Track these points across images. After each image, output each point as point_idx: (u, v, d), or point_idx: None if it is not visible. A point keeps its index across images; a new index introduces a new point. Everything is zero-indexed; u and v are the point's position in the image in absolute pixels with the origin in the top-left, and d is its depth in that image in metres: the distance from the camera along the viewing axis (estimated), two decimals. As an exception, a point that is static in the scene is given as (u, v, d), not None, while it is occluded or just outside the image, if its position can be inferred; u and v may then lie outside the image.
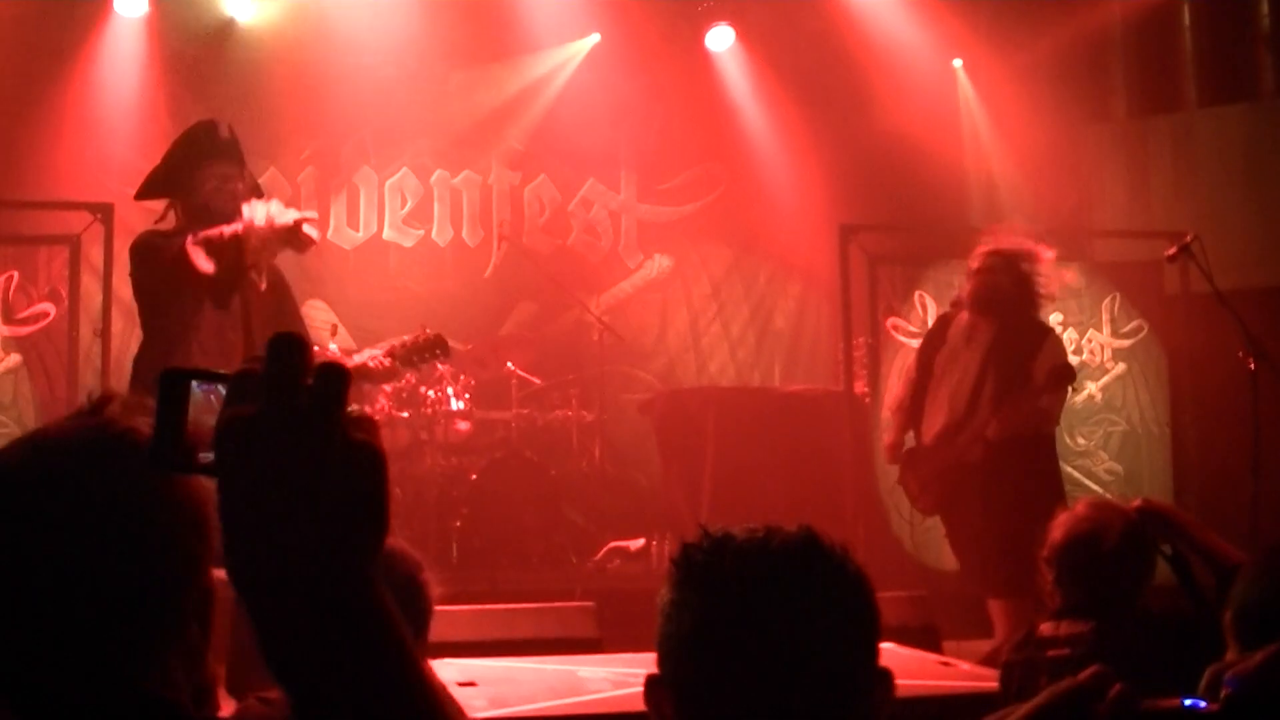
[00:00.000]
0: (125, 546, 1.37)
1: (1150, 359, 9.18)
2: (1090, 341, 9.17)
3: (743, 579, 1.53)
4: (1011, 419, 6.38)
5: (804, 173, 9.98)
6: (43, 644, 1.36)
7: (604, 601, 5.75)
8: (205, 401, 1.03)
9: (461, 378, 8.49)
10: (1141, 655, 2.51)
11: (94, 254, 8.16)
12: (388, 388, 8.30)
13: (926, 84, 10.04)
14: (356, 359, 5.49)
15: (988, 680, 3.76)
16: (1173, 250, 6.86)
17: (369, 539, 0.95)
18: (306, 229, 5.03)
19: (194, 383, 1.04)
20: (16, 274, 8.33)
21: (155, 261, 5.11)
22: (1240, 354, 6.68)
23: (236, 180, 5.30)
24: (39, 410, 8.14)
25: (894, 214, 9.83)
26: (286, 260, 9.54)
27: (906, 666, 3.51)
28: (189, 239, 4.96)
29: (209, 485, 1.09)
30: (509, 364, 8.91)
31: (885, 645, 3.78)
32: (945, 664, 3.88)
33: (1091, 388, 9.15)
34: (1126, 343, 9.18)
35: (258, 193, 5.44)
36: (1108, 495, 9.03)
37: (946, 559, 6.81)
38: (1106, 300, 9.23)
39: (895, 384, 6.87)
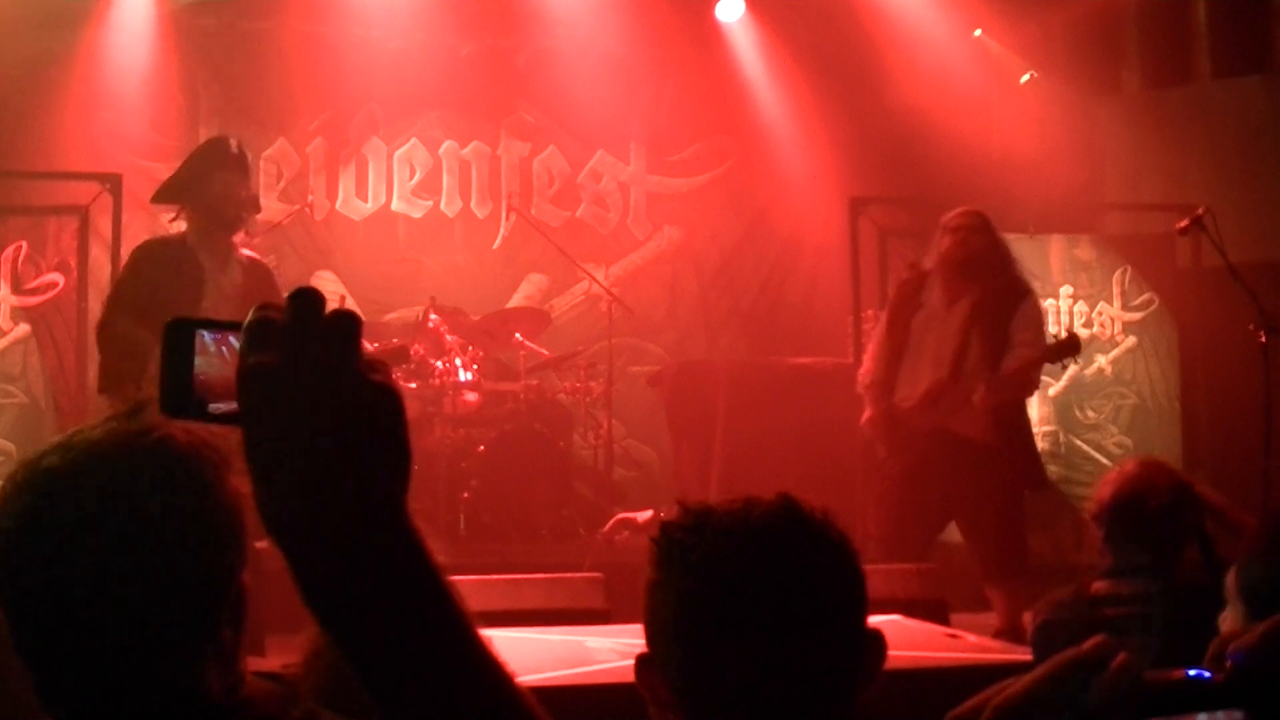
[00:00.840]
0: (162, 550, 1.40)
1: (1161, 332, 9.16)
2: (1101, 314, 9.15)
3: (724, 554, 1.53)
4: (1006, 387, 6.30)
5: (814, 145, 9.95)
6: (79, 642, 1.39)
7: (612, 573, 5.75)
8: (215, 349, 1.04)
9: (470, 349, 8.49)
10: (1205, 615, 2.48)
11: (103, 225, 8.17)
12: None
13: (938, 56, 9.99)
14: None
15: (995, 652, 3.76)
16: (1184, 223, 6.84)
17: (395, 473, 0.99)
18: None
19: (202, 332, 1.04)
20: (25, 245, 8.35)
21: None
22: (1251, 327, 6.67)
23: (241, 189, 6.00)
24: (48, 381, 8.17)
25: (905, 187, 9.80)
26: (296, 230, 9.60)
27: (914, 639, 3.51)
28: None
29: (244, 492, 1.11)
30: (517, 335, 8.90)
31: (893, 618, 3.79)
32: (952, 636, 3.88)
33: (1101, 361, 9.13)
34: (1137, 316, 9.16)
35: (256, 206, 6.41)
36: (1117, 469, 9.02)
37: (954, 532, 6.79)
38: (1117, 273, 9.20)
39: (865, 357, 6.70)
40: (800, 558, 1.53)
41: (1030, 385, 6.58)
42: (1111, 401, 9.09)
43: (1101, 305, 9.16)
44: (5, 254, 8.31)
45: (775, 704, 1.51)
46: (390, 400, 0.98)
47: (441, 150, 10.12)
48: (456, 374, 8.35)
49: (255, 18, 9.65)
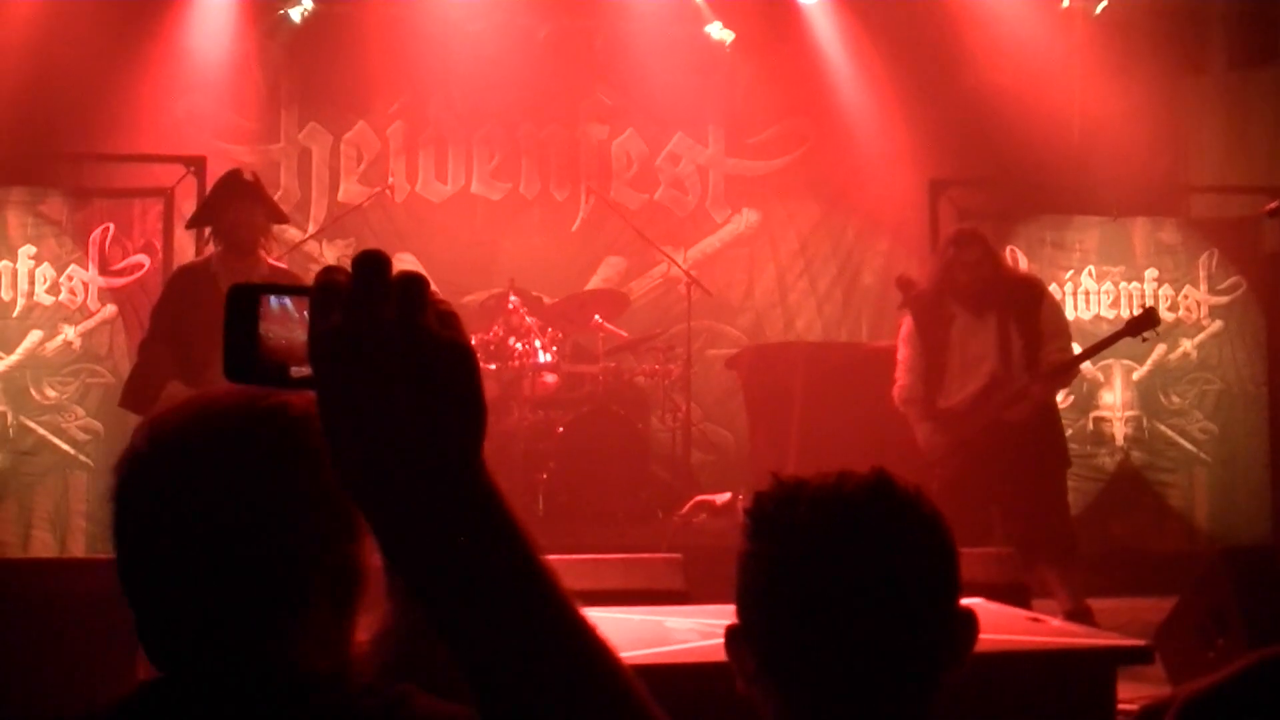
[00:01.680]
0: (256, 516, 1.42)
1: (1248, 317, 9.03)
2: (1186, 298, 9.02)
3: (816, 526, 1.52)
4: (1060, 377, 6.75)
5: (893, 127, 9.86)
6: (178, 594, 1.43)
7: (690, 555, 5.74)
8: (281, 314, 1.05)
9: (549, 331, 8.51)
10: None
11: (187, 207, 8.28)
12: (474, 340, 8.33)
13: (1018, 36, 9.87)
14: None
15: (1078, 636, 3.72)
16: (1273, 206, 6.77)
17: (471, 429, 0.98)
18: None
19: (269, 297, 1.05)
20: (112, 226, 8.48)
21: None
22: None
23: (256, 215, 6.44)
24: (134, 361, 8.29)
25: (985, 169, 9.71)
26: (375, 213, 9.68)
27: (996, 622, 3.48)
28: None
29: None
30: (596, 318, 8.91)
31: (975, 601, 3.75)
32: (1035, 620, 3.84)
33: (1187, 345, 9.01)
34: (1223, 300, 9.02)
35: (281, 217, 6.90)
36: (1203, 456, 8.91)
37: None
38: (1203, 257, 9.07)
39: (900, 372, 6.85)
40: (893, 531, 1.53)
41: (1074, 375, 7.16)
42: (1196, 387, 8.97)
43: (1187, 289, 9.03)
44: (93, 236, 8.44)
45: (863, 679, 1.50)
46: (463, 356, 0.98)
47: (520, 133, 10.14)
48: (535, 356, 8.38)
49: (335, 1, 9.72)
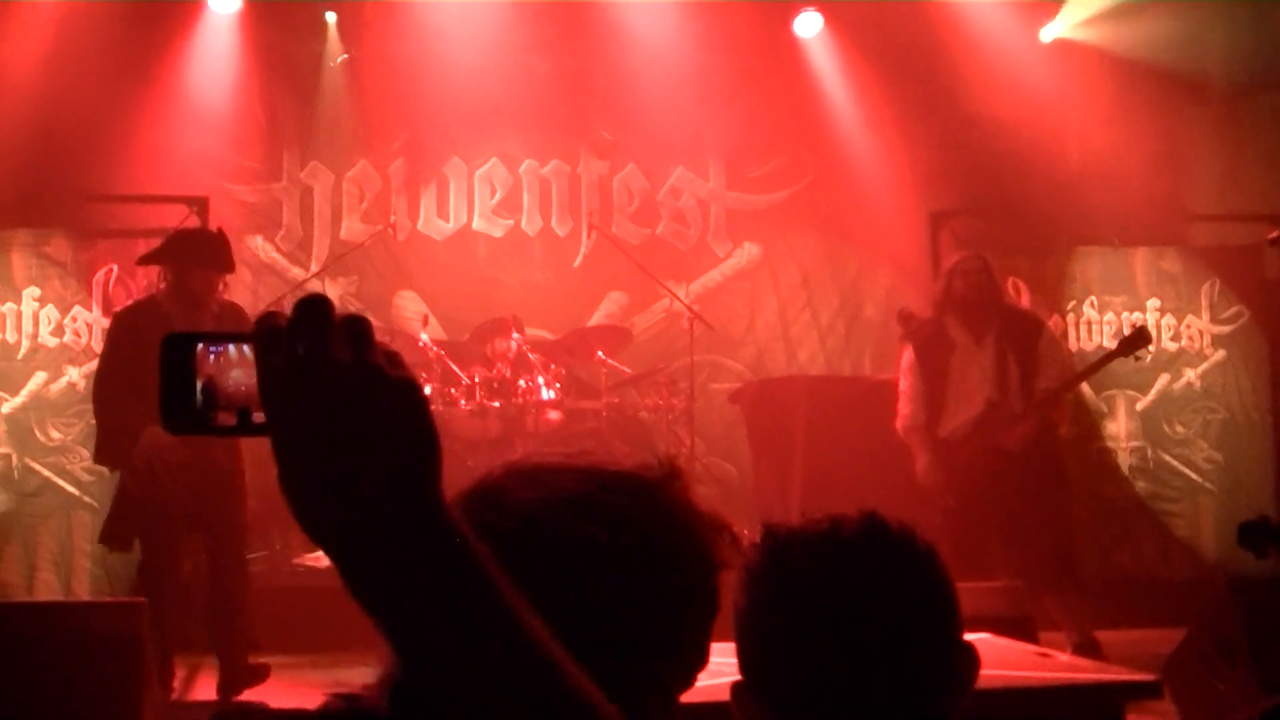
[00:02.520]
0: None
1: (1251, 345, 9.03)
2: (1189, 327, 9.02)
3: (814, 578, 1.52)
4: (1054, 405, 6.84)
5: (894, 159, 9.89)
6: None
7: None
8: (240, 359, 1.04)
9: (552, 367, 8.52)
10: None
11: (190, 247, 8.27)
12: (477, 378, 8.36)
13: (1017, 68, 9.91)
14: None
15: (1086, 671, 3.71)
16: (1275, 235, 6.79)
17: (427, 464, 0.99)
18: None
19: (207, 345, 1.05)
20: (115, 267, 8.51)
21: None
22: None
23: (216, 281, 6.51)
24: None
25: (985, 200, 9.73)
26: (378, 251, 9.71)
27: (1004, 657, 3.47)
28: None
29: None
30: (599, 353, 8.92)
31: (981, 636, 3.75)
32: (1043, 655, 3.83)
33: (1190, 375, 9.01)
34: (1226, 329, 9.03)
35: (228, 269, 6.68)
36: (1208, 485, 8.90)
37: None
38: (1205, 286, 9.07)
39: (903, 402, 6.90)
40: (889, 577, 1.53)
41: (1068, 401, 7.32)
42: (1200, 416, 8.96)
43: (1189, 318, 9.03)
44: (96, 277, 8.46)
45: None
46: (413, 393, 0.99)
47: (521, 169, 10.17)
48: (539, 392, 8.39)
49: (336, 40, 9.77)
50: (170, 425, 1.05)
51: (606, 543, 1.36)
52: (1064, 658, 4.02)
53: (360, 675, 1.40)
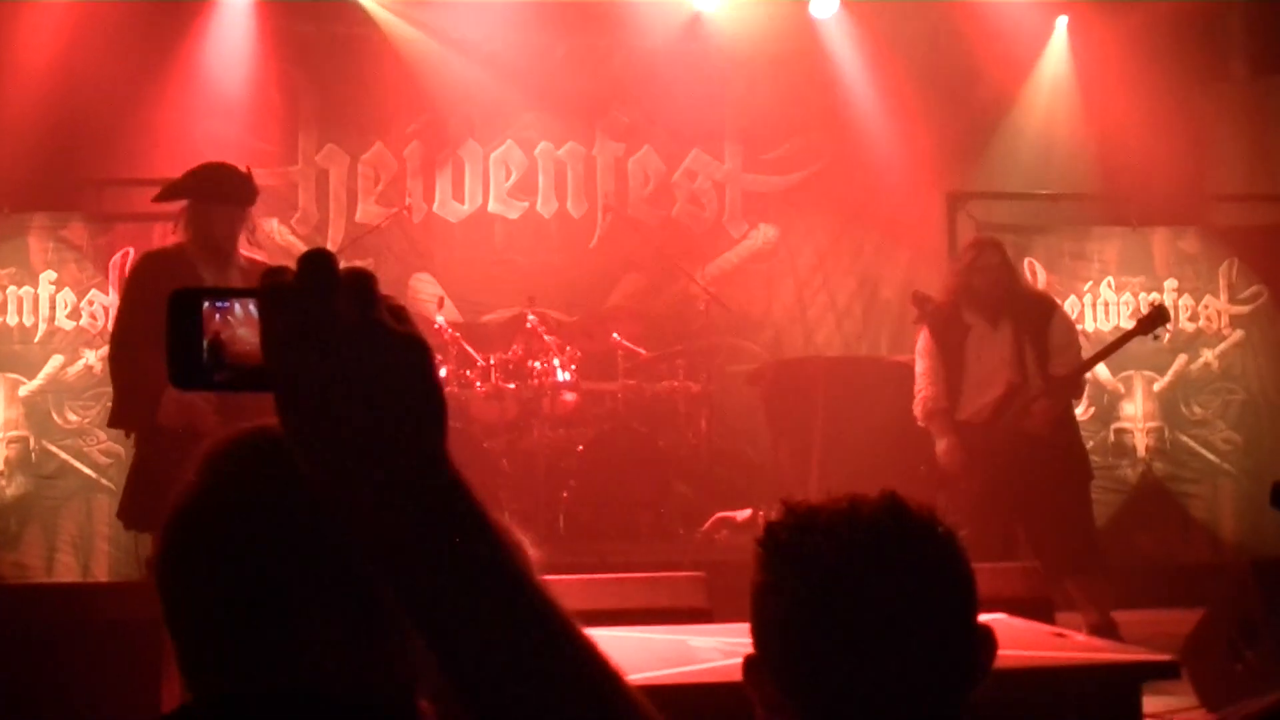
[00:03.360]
0: (298, 543, 1.39)
1: (1270, 326, 8.98)
2: (1207, 308, 8.97)
3: (831, 556, 1.51)
4: (1069, 388, 6.73)
5: (910, 140, 9.86)
6: (211, 632, 1.40)
7: (712, 572, 5.72)
8: (245, 318, 1.04)
9: (568, 350, 8.52)
10: None
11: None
12: (493, 360, 8.36)
13: (1035, 48, 9.86)
14: None
15: (1104, 651, 3.70)
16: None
17: (433, 421, 0.99)
18: None
19: (215, 301, 1.05)
20: (132, 250, 8.50)
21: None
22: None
23: (239, 222, 5.90)
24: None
25: (1002, 181, 9.69)
26: (394, 233, 9.70)
27: (1020, 638, 3.46)
28: None
29: None
30: (615, 335, 8.92)
31: (998, 616, 3.74)
32: (1059, 635, 3.82)
33: (1208, 355, 8.96)
34: (1245, 309, 8.98)
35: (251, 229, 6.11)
36: (1227, 467, 8.87)
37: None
38: (1224, 265, 9.02)
39: (921, 384, 6.88)
40: (908, 557, 1.52)
41: (1083, 386, 7.12)
42: (1219, 397, 8.92)
43: (1208, 299, 8.98)
44: (113, 260, 8.48)
45: (886, 703, 1.50)
46: (419, 349, 0.99)
47: (537, 151, 10.16)
48: (555, 374, 8.39)
49: (352, 23, 9.77)
50: (177, 381, 1.05)
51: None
52: (1080, 638, 4.01)
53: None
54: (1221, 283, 9.01)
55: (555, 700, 0.99)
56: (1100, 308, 8.99)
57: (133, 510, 5.81)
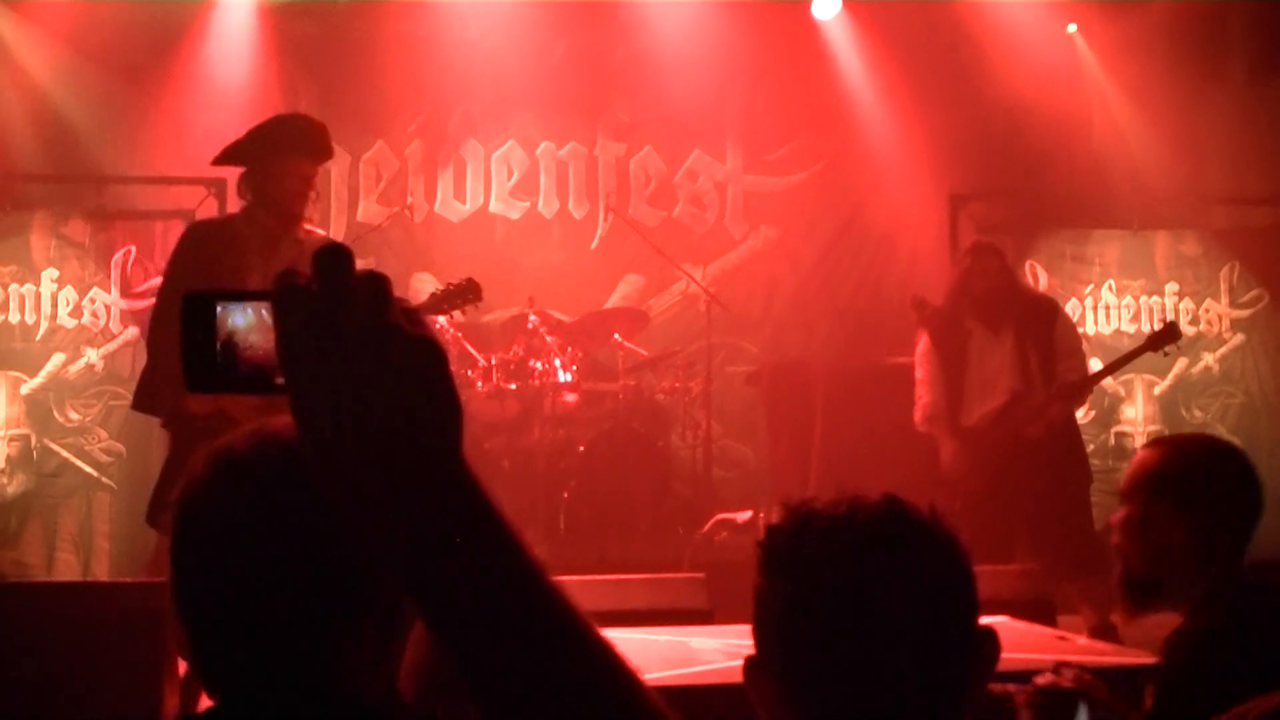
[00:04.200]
0: (316, 545, 1.41)
1: (1270, 329, 8.99)
2: (1208, 311, 8.98)
3: (830, 557, 1.52)
4: (1076, 394, 6.77)
5: (912, 142, 9.86)
6: (230, 620, 1.44)
7: (712, 573, 5.73)
8: (259, 322, 1.05)
9: (569, 350, 8.52)
10: None
11: (208, 228, 8.28)
12: (494, 360, 8.36)
13: (1037, 50, 9.86)
14: None
15: (1107, 654, 3.71)
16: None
17: (449, 423, 0.99)
18: None
19: (229, 304, 1.05)
20: (134, 248, 8.53)
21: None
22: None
23: (312, 177, 5.41)
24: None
25: (1004, 182, 9.70)
26: (395, 232, 9.70)
27: (1022, 640, 3.47)
28: None
29: None
30: (616, 335, 8.92)
31: (999, 619, 3.74)
32: (1061, 638, 3.83)
33: (1209, 359, 8.97)
34: (1246, 313, 8.99)
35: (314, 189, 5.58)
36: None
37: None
38: (1225, 269, 9.03)
39: (921, 390, 6.89)
40: (908, 558, 1.52)
41: (1089, 392, 7.17)
42: (1219, 400, 8.93)
43: (1208, 302, 8.99)
44: (115, 258, 8.49)
45: (886, 705, 1.50)
46: (434, 351, 0.99)
47: (538, 151, 10.17)
48: (555, 374, 8.39)
49: (353, 22, 9.76)
50: (190, 383, 1.05)
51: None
52: (1082, 641, 4.02)
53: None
54: (1222, 286, 9.02)
55: (572, 701, 0.99)
56: (1101, 311, 9.00)
57: (163, 511, 5.15)
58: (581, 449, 8.47)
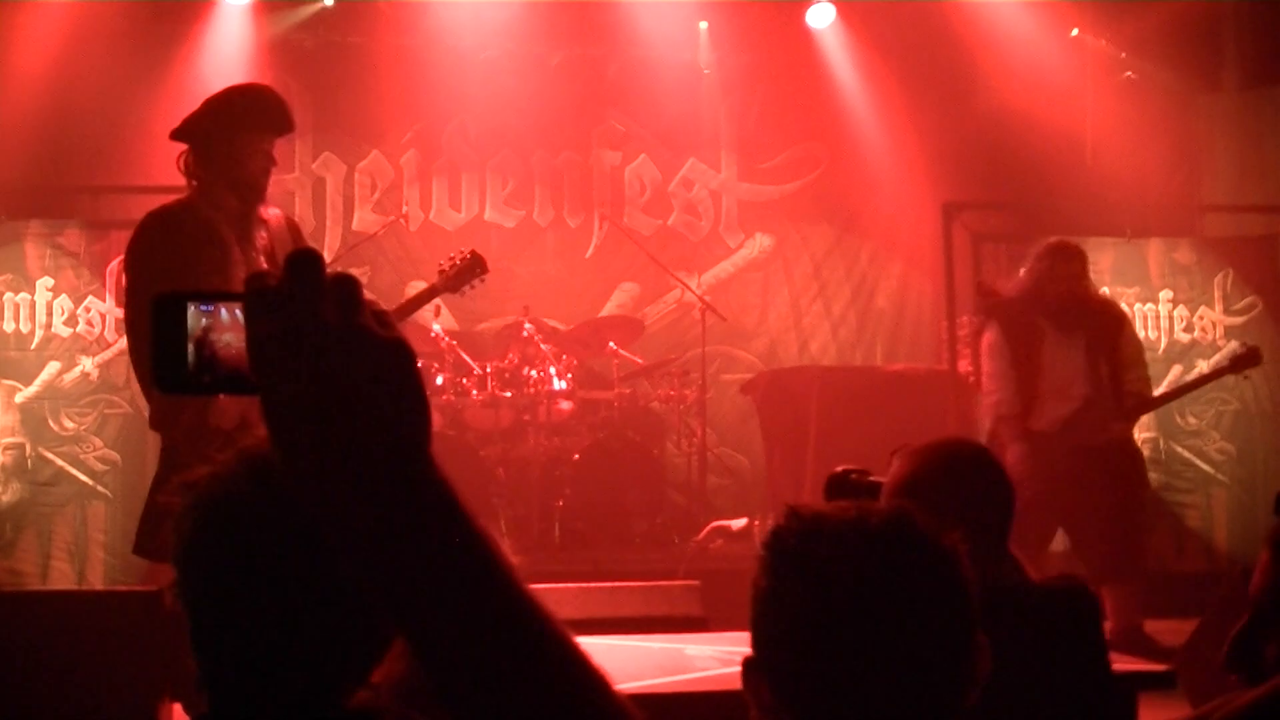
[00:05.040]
0: (314, 567, 1.42)
1: (1264, 337, 8.97)
2: (1202, 319, 8.98)
3: (840, 565, 1.52)
4: (1149, 409, 6.90)
5: (906, 150, 9.88)
6: (238, 643, 1.46)
7: (707, 581, 5.74)
8: (232, 322, 1.04)
9: (564, 358, 8.53)
10: None
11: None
12: (489, 368, 8.36)
13: (1030, 59, 9.88)
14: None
15: (1124, 663, 3.71)
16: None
17: (418, 425, 0.99)
18: None
19: (198, 305, 1.05)
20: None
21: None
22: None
23: (272, 153, 5.07)
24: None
25: (998, 191, 9.71)
26: (390, 241, 9.70)
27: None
28: None
29: None
30: (611, 344, 8.93)
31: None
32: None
33: (1203, 366, 8.96)
34: (1239, 320, 8.98)
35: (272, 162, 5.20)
36: (1220, 476, 8.88)
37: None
38: (1219, 276, 9.03)
39: (992, 386, 6.72)
40: (916, 569, 1.53)
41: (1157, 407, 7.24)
42: (1213, 407, 8.92)
43: (1202, 309, 8.99)
44: (110, 267, 8.47)
45: (884, 710, 1.51)
46: (403, 353, 0.99)
47: (533, 160, 10.17)
48: (550, 383, 8.39)
49: (348, 32, 9.77)
50: (162, 385, 1.05)
51: None
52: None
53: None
54: (1217, 294, 9.01)
55: (538, 703, 1.00)
56: (1095, 318, 8.99)
57: (152, 540, 4.90)
58: (576, 457, 8.48)
